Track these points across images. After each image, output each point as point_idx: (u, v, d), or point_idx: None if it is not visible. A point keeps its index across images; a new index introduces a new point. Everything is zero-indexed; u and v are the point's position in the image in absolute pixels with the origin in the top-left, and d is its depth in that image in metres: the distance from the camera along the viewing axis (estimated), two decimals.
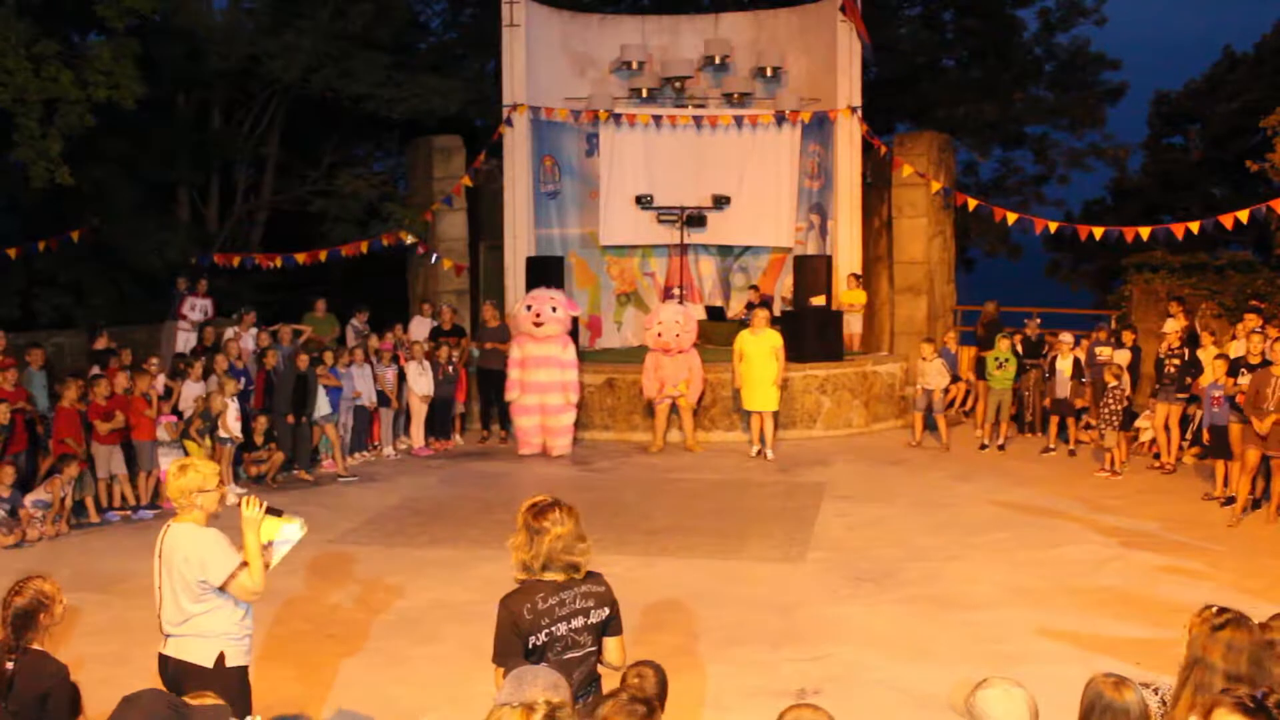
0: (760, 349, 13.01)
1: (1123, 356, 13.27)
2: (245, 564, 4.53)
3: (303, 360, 12.34)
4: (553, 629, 3.82)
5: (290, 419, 12.22)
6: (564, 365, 13.42)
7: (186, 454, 11.04)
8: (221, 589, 4.50)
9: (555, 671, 3.31)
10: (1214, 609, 3.53)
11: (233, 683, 4.49)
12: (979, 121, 24.61)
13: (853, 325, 16.22)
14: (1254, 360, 10.74)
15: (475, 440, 14.48)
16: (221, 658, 4.54)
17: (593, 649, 3.94)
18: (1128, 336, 13.85)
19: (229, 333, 13.83)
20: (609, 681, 4.05)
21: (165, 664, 4.61)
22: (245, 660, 4.67)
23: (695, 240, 17.27)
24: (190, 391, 11.74)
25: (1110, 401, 11.99)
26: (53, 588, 4.25)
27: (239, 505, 4.64)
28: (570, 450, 13.47)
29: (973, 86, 24.82)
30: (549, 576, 3.88)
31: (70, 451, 10.40)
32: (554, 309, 13.28)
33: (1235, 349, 12.14)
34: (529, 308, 13.35)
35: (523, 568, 3.91)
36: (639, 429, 14.22)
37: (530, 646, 3.81)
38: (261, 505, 4.62)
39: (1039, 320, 14.76)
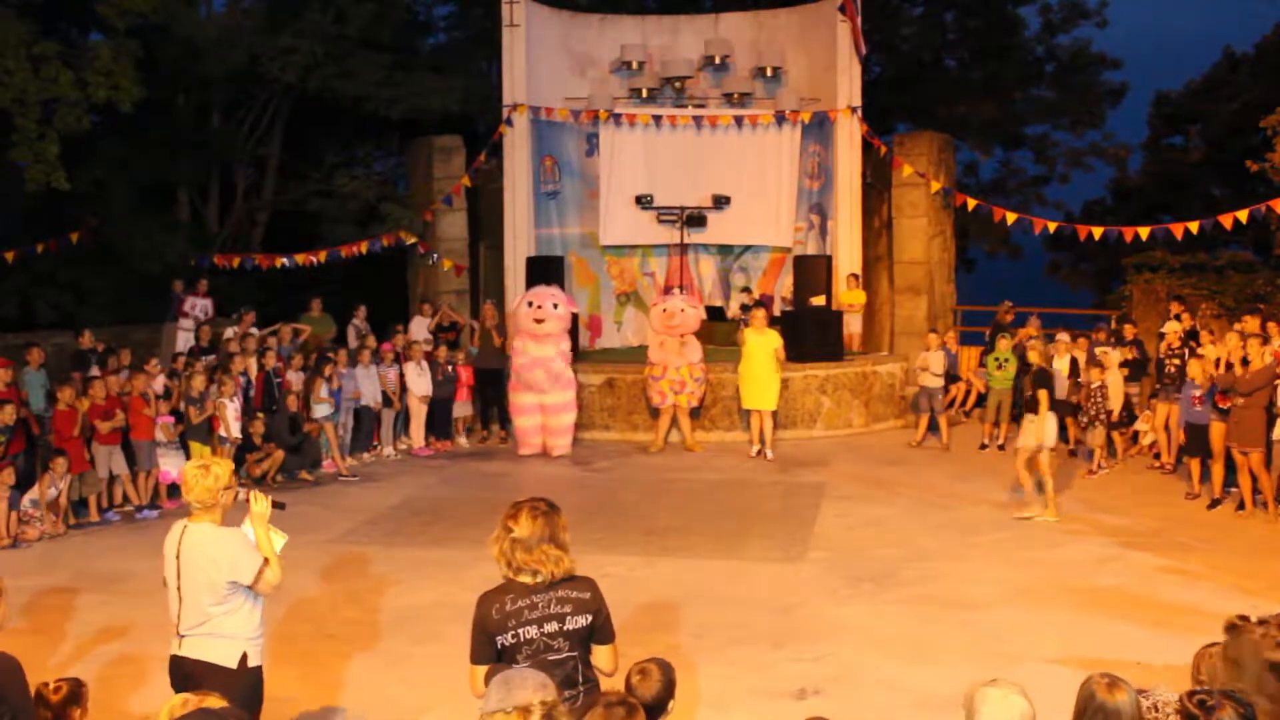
0: (763, 349, 12.98)
1: (1116, 357, 13.14)
2: (266, 560, 4.58)
3: (293, 399, 12.43)
4: (520, 631, 3.79)
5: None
6: (556, 359, 13.39)
7: (188, 453, 11.05)
8: (250, 587, 4.54)
9: (540, 671, 3.30)
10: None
11: (254, 682, 4.56)
12: (979, 121, 24.61)
13: (852, 325, 16.23)
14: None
15: (475, 440, 14.48)
16: (245, 658, 4.55)
17: (571, 654, 3.86)
18: (1128, 331, 13.85)
19: (229, 332, 13.84)
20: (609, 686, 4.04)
21: (180, 664, 4.57)
22: (261, 660, 4.69)
23: (695, 240, 17.27)
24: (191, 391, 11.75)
25: (1096, 399, 12.04)
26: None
27: (246, 501, 4.68)
28: (570, 450, 13.47)
29: (973, 86, 24.81)
30: (523, 578, 3.85)
31: (60, 447, 10.38)
32: (555, 305, 13.28)
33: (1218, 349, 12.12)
34: (530, 304, 13.32)
35: (501, 566, 3.92)
36: (639, 429, 14.23)
37: (500, 647, 3.81)
38: (269, 500, 4.67)
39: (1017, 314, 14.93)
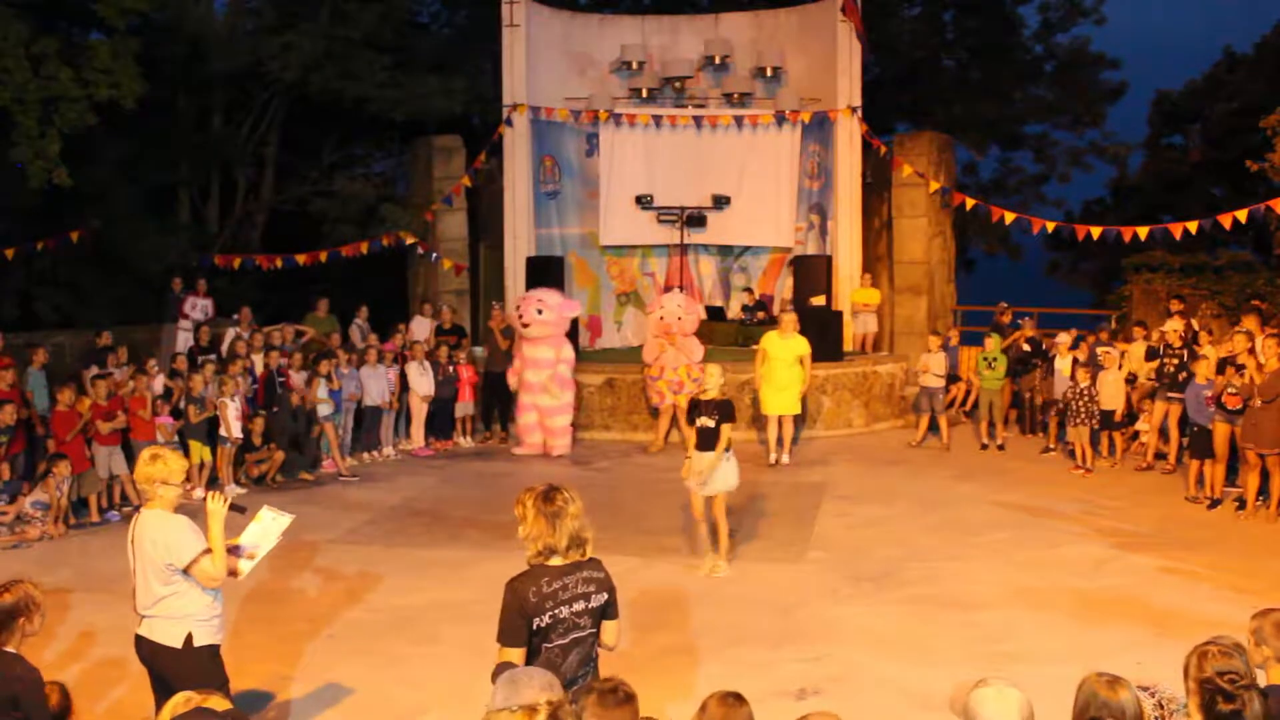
0: (785, 354, 12.85)
1: (1115, 357, 13.12)
2: (209, 551, 4.71)
3: (296, 397, 12.42)
4: (556, 611, 3.96)
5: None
6: (554, 364, 13.43)
7: (188, 453, 11.06)
8: (185, 571, 4.69)
9: (547, 671, 3.32)
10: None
11: (202, 660, 4.73)
12: (978, 121, 24.61)
13: (868, 325, 16.19)
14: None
15: (477, 440, 14.47)
16: (189, 638, 4.73)
17: (592, 631, 4.09)
18: (1137, 333, 13.86)
19: (230, 333, 13.84)
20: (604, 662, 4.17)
21: (141, 644, 4.81)
22: (215, 639, 4.85)
23: (695, 240, 17.27)
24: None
25: (1084, 400, 12.07)
26: (41, 596, 4.31)
27: (204, 500, 4.83)
28: (570, 450, 13.48)
29: (972, 85, 24.82)
30: (554, 561, 4.03)
31: (62, 451, 10.38)
32: (539, 310, 13.25)
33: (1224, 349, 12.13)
34: (516, 308, 13.56)
35: (538, 553, 4.03)
36: (639, 429, 14.23)
37: (535, 628, 3.93)
38: (226, 501, 4.81)
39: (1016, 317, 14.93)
